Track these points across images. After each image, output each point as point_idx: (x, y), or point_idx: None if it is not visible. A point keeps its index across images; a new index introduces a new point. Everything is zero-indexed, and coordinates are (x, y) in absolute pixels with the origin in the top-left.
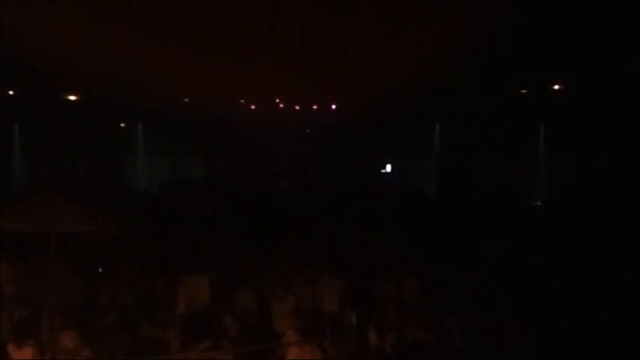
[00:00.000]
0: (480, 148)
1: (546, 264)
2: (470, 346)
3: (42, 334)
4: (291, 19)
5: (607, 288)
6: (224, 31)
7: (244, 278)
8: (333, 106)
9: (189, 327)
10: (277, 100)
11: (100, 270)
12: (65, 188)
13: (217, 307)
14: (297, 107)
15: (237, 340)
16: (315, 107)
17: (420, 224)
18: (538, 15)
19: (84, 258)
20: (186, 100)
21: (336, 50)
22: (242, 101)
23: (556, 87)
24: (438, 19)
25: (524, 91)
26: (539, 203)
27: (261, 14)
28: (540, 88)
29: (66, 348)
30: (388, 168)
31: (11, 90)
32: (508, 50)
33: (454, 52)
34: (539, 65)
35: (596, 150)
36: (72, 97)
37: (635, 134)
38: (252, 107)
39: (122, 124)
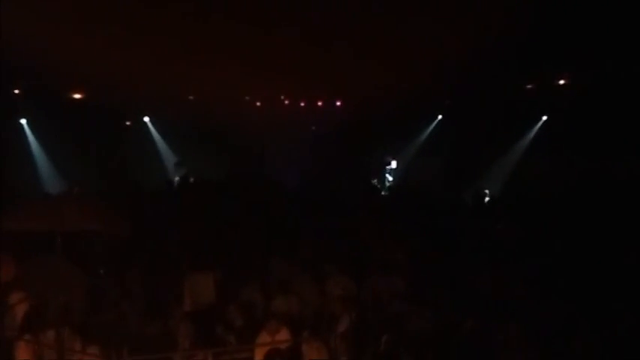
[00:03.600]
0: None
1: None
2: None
3: (47, 333)
4: (296, 15)
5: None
6: (228, 28)
7: (250, 276)
8: (338, 103)
9: (196, 324)
10: (282, 97)
11: (102, 272)
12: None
13: (223, 304)
14: (302, 104)
15: (241, 332)
16: (320, 104)
17: (421, 221)
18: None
19: (90, 256)
20: (191, 97)
21: (342, 46)
22: (247, 98)
23: (561, 82)
24: (444, 17)
25: (529, 86)
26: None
27: (267, 11)
28: (544, 85)
29: (72, 346)
30: (394, 164)
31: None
32: (513, 48)
33: (458, 49)
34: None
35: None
36: (76, 96)
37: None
38: (258, 104)
39: (128, 122)
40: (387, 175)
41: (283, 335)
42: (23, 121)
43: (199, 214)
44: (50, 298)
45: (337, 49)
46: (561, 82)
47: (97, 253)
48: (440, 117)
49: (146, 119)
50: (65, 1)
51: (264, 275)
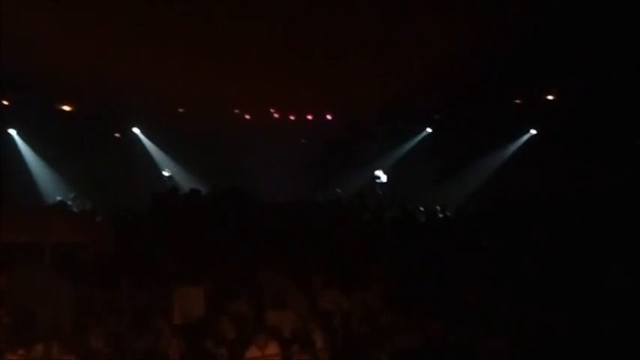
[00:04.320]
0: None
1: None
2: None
3: (36, 347)
4: (287, 30)
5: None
6: (218, 41)
7: (240, 289)
8: (329, 117)
9: (186, 338)
10: (272, 110)
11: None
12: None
13: (213, 317)
14: (292, 117)
15: (232, 345)
16: (309, 117)
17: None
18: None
19: (79, 269)
20: (181, 110)
21: (332, 61)
22: (236, 111)
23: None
24: (434, 32)
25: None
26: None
27: (257, 24)
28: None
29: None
30: (383, 178)
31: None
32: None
33: (448, 63)
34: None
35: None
36: (66, 108)
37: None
38: (247, 117)
39: (117, 134)
40: (377, 189)
41: (273, 349)
42: (12, 131)
43: (188, 227)
44: (38, 311)
45: (327, 63)
46: (550, 97)
47: (86, 266)
48: (429, 130)
49: (136, 130)
50: (53, 13)
51: (255, 288)
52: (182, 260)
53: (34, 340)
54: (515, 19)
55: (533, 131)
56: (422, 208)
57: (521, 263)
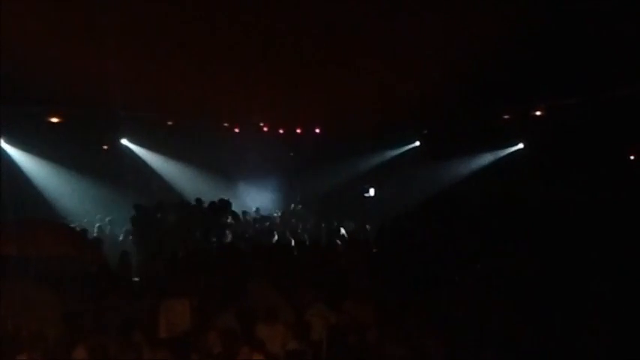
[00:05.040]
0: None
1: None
2: None
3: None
4: (277, 43)
5: None
6: (208, 54)
7: (227, 302)
8: (317, 130)
9: (171, 350)
10: (261, 124)
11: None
12: None
13: (199, 330)
14: (281, 131)
15: (220, 358)
16: (298, 131)
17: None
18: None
19: (65, 282)
20: (170, 123)
21: (321, 73)
22: (226, 125)
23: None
24: (423, 46)
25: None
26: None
27: (248, 36)
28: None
29: None
30: (371, 192)
31: None
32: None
33: (438, 76)
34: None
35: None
36: (54, 120)
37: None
38: (236, 130)
39: (105, 147)
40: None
41: None
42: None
43: (174, 239)
44: (23, 324)
45: (317, 77)
46: (538, 112)
47: (72, 280)
48: (417, 143)
49: (124, 142)
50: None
51: (242, 301)
52: (168, 273)
53: (18, 353)
54: (504, 36)
55: (520, 145)
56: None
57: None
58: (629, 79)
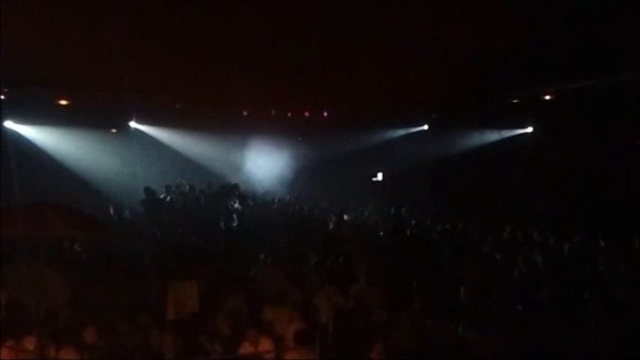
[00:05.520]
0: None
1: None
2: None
3: (29, 339)
4: (285, 27)
5: None
6: (216, 38)
7: (235, 285)
8: (325, 114)
9: (179, 333)
10: (269, 107)
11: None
12: None
13: (207, 312)
14: (289, 114)
15: (228, 340)
16: (307, 114)
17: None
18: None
19: (73, 262)
20: (178, 105)
21: (329, 57)
22: (234, 109)
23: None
24: (432, 31)
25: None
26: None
27: (255, 22)
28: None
29: (53, 353)
30: (379, 176)
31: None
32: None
33: (447, 61)
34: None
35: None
36: (63, 102)
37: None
38: (245, 113)
39: (113, 130)
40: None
41: (266, 345)
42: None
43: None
44: (32, 304)
45: (324, 60)
46: (547, 97)
47: (80, 260)
48: (426, 127)
49: (133, 125)
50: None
51: (249, 284)
52: (176, 255)
53: (27, 333)
54: (512, 21)
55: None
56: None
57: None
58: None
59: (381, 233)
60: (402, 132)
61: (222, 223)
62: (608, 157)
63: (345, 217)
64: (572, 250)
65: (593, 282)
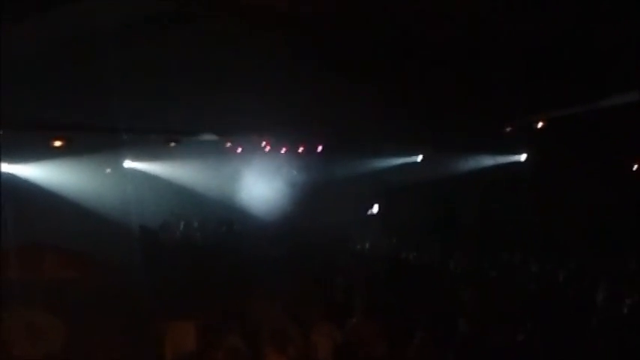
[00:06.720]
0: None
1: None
2: None
3: None
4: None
5: None
6: (210, 73)
7: (232, 323)
8: (320, 148)
9: None
10: (264, 144)
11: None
12: None
13: (206, 350)
14: (284, 150)
15: None
16: (301, 150)
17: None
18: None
19: (69, 305)
20: (172, 144)
21: (322, 91)
22: (228, 145)
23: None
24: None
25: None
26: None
27: (249, 55)
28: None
29: None
30: (375, 209)
31: None
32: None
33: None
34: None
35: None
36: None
37: None
38: (239, 150)
39: (108, 170)
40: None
41: None
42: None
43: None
44: (28, 350)
45: (318, 94)
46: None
47: (77, 303)
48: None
49: (126, 164)
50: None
51: (246, 322)
52: (172, 294)
53: None
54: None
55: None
56: None
57: None
58: (629, 88)
59: (379, 264)
60: (397, 161)
61: (219, 259)
62: (603, 183)
63: (343, 248)
64: (568, 275)
65: (591, 306)
